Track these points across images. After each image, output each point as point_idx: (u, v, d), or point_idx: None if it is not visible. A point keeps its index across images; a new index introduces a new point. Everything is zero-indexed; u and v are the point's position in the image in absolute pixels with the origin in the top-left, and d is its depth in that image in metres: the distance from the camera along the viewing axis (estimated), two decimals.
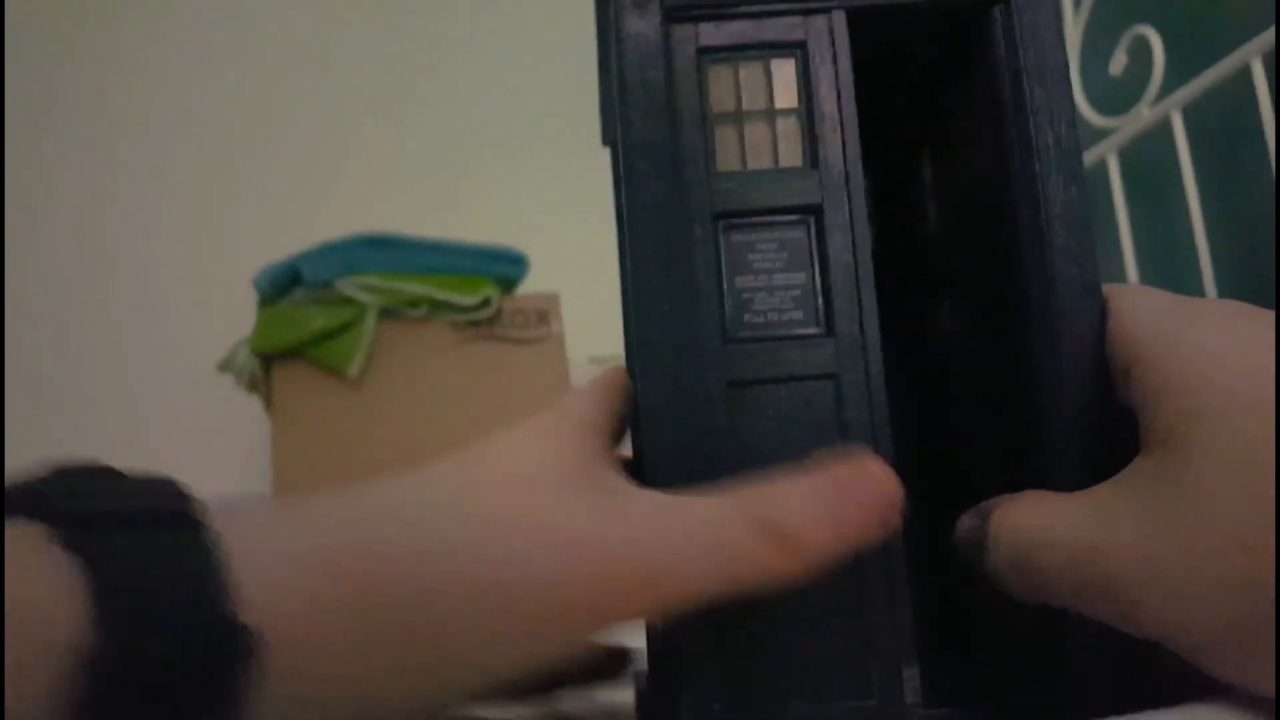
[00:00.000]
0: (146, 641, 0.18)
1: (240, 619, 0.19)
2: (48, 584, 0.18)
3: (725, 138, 0.29)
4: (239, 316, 1.19)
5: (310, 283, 1.13)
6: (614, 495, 0.24)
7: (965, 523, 0.28)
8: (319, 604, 0.20)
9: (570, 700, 0.38)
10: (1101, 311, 0.27)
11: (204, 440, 1.39)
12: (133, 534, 0.19)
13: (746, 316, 0.28)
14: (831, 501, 0.24)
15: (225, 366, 1.23)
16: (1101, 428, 0.27)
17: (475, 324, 1.12)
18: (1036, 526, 0.25)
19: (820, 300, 0.28)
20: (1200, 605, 0.21)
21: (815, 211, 0.28)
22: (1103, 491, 0.24)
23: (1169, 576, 0.21)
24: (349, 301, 1.12)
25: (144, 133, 1.49)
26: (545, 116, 1.41)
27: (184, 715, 0.18)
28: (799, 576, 0.24)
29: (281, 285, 1.15)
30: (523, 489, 0.23)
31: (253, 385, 1.22)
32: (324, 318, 1.10)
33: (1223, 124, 0.82)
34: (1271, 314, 0.24)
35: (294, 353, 1.13)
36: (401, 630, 0.21)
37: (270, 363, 1.15)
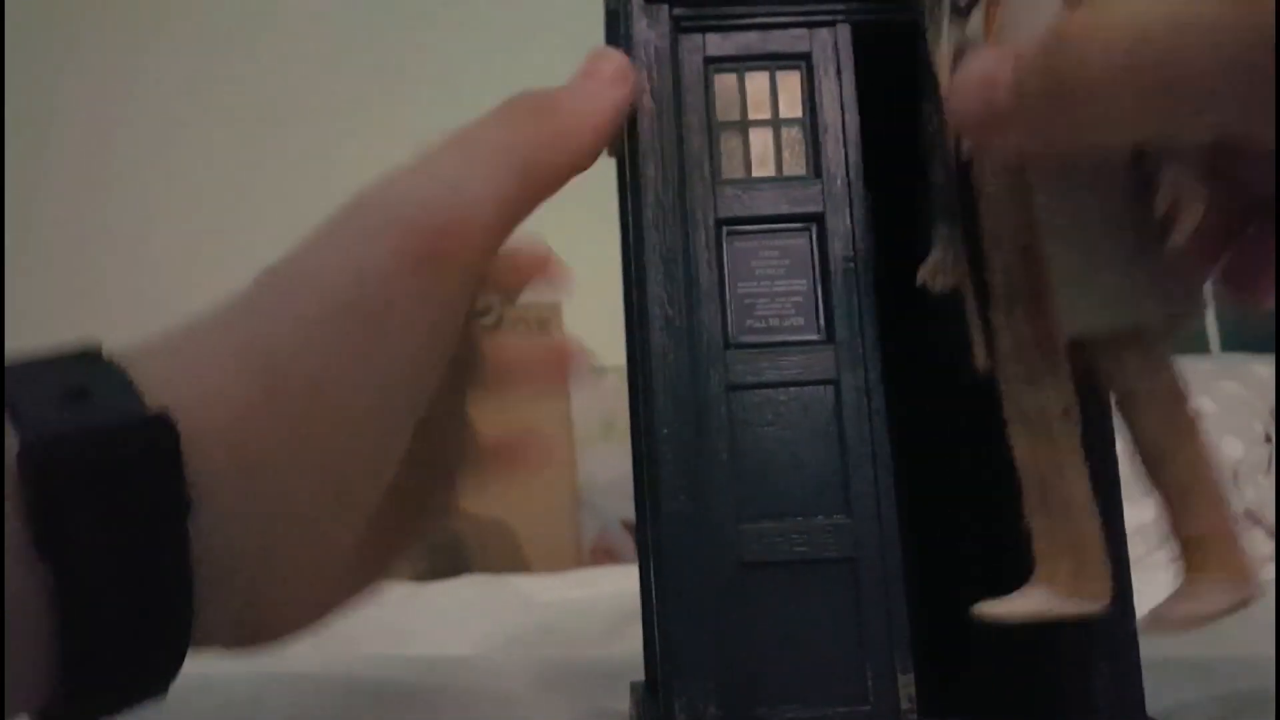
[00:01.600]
0: (59, 437, 0.19)
1: (148, 407, 0.20)
2: None
3: (730, 146, 0.29)
4: None
5: None
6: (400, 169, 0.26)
7: (993, 64, 0.22)
8: (210, 390, 0.21)
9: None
10: None
11: None
12: (36, 363, 0.21)
13: (748, 322, 0.28)
14: (587, 84, 0.27)
15: None
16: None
17: (474, 316, 1.13)
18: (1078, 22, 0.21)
19: (821, 307, 0.28)
20: (1239, 54, 0.18)
21: (817, 220, 0.29)
22: None
23: (1206, 32, 0.19)
24: None
25: (150, 129, 1.49)
26: None
27: (130, 506, 0.19)
28: (581, 162, 0.27)
29: None
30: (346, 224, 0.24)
31: None
32: None
33: None
34: None
35: None
36: (278, 383, 0.22)
37: None
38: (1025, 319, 0.24)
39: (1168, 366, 0.23)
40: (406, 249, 0.23)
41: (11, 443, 0.19)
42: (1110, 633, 0.27)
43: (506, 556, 1.05)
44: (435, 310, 0.23)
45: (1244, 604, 0.22)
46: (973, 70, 0.22)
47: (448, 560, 1.02)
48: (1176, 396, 0.23)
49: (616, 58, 0.28)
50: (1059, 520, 0.24)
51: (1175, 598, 0.22)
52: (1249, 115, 0.19)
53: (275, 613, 0.24)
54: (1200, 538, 0.23)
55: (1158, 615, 0.23)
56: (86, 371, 0.21)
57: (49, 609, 0.18)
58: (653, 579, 0.29)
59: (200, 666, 0.21)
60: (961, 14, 0.25)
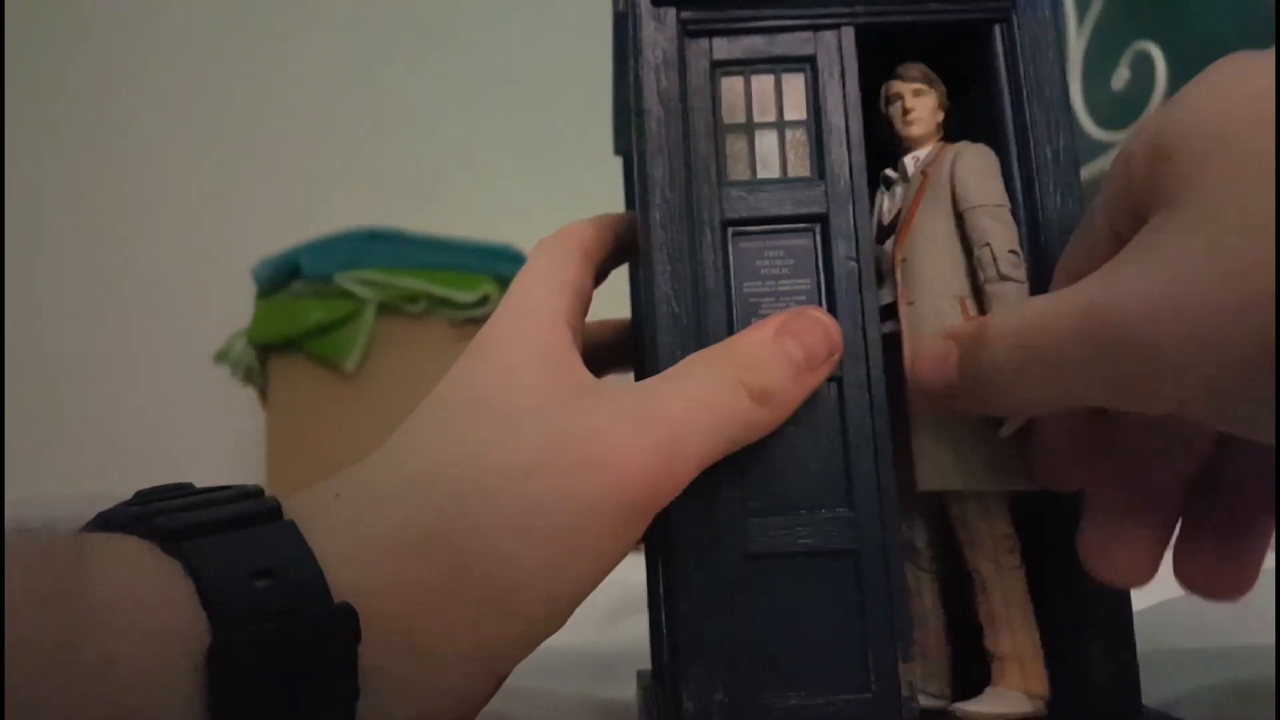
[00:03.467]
0: (252, 626, 0.19)
1: (334, 598, 0.21)
2: (159, 590, 0.19)
3: (736, 148, 0.30)
4: (237, 308, 1.20)
5: (309, 275, 1.13)
6: (598, 396, 0.26)
7: (939, 347, 0.27)
8: (394, 578, 0.22)
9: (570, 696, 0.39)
10: None
11: (198, 430, 1.39)
12: (223, 536, 0.21)
13: (754, 320, 0.29)
14: (794, 354, 0.27)
15: (222, 357, 1.24)
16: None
17: (474, 321, 1.13)
18: (1039, 309, 0.24)
19: (824, 305, 0.29)
20: (1217, 339, 0.19)
21: (821, 220, 0.29)
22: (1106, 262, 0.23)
23: (1183, 312, 0.20)
24: (348, 295, 1.12)
25: (147, 123, 1.49)
26: (553, 121, 1.41)
27: (306, 697, 0.20)
28: (776, 424, 0.27)
29: (280, 277, 1.15)
30: (518, 425, 0.25)
31: (248, 376, 1.23)
32: (322, 311, 1.11)
33: None
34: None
35: (291, 345, 1.13)
36: (464, 584, 0.23)
37: (267, 354, 1.16)
38: (901, 466, 0.29)
39: (1000, 516, 0.29)
40: (620, 497, 0.24)
41: (201, 627, 0.19)
42: (1107, 623, 0.28)
43: None
44: (628, 543, 0.25)
45: (1035, 714, 0.27)
46: (929, 352, 0.27)
47: None
48: (1004, 542, 0.29)
49: (832, 338, 0.28)
50: (918, 628, 0.30)
51: (979, 700, 0.28)
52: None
53: None
54: (1005, 656, 0.28)
55: (963, 712, 0.27)
56: (272, 544, 0.21)
57: None
58: (661, 571, 0.29)
59: None
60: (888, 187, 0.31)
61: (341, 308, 1.11)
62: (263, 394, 1.20)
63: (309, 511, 0.23)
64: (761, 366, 0.27)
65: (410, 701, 0.22)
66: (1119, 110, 0.94)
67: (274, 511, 0.22)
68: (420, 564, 0.23)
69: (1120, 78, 0.93)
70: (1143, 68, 0.90)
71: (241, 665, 0.19)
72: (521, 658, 0.25)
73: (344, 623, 0.21)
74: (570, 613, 0.25)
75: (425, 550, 0.23)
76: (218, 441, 1.36)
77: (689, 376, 0.27)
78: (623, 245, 0.33)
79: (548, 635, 0.25)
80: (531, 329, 0.28)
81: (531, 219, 1.37)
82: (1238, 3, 0.79)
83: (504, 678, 0.25)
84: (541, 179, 1.38)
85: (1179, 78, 0.87)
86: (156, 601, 0.19)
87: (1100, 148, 0.96)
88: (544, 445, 0.24)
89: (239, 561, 0.20)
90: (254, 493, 0.23)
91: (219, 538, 0.21)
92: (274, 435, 1.15)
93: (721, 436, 0.26)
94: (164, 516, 0.21)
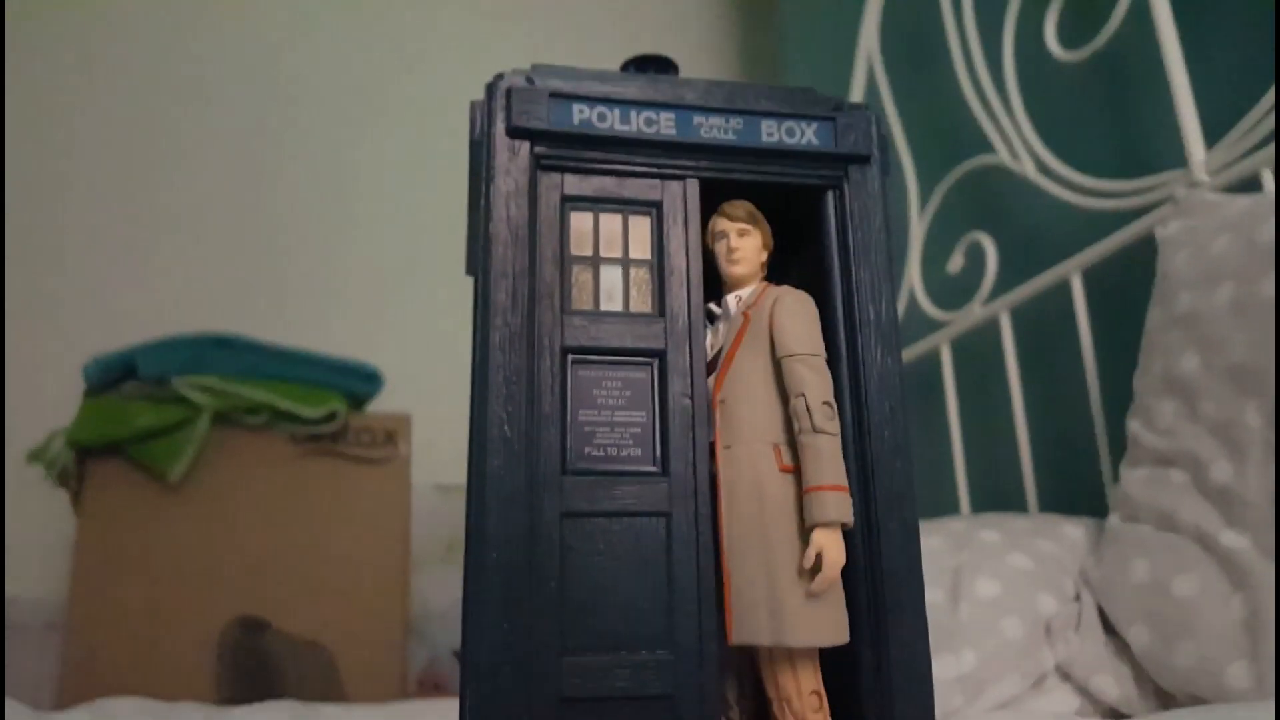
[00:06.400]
0: None
1: None
2: None
3: (581, 279, 0.30)
4: (61, 406, 1.11)
5: (145, 377, 1.07)
6: None
7: None
8: None
9: None
10: (909, 469, 0.30)
11: (5, 531, 1.26)
12: None
13: (587, 449, 0.29)
14: None
15: (35, 456, 1.13)
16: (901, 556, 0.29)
17: (318, 438, 1.08)
18: None
19: (658, 439, 0.29)
20: None
21: (659, 355, 0.30)
22: None
23: None
24: (183, 401, 1.06)
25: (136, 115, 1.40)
26: (415, 238, 1.42)
27: None
28: None
29: (112, 377, 1.08)
30: None
31: (63, 479, 1.13)
32: (152, 415, 1.04)
33: (1044, 325, 0.92)
34: None
35: (113, 449, 1.05)
36: None
37: (85, 457, 1.07)
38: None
39: (808, 673, 0.29)
40: None
41: None
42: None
43: (321, 683, 0.98)
44: None
45: None
46: None
47: (253, 683, 0.94)
48: (811, 699, 0.28)
49: None
50: None
51: None
52: None
53: None
54: None
55: None
56: None
57: None
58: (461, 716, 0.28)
59: None
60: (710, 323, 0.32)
61: (174, 413, 1.05)
62: (76, 498, 1.10)
63: None
64: None
65: None
66: (953, 292, 1.02)
67: None
68: None
69: (955, 263, 1.01)
70: (975, 255, 0.99)
71: None
72: None
73: None
74: None
75: None
76: (23, 546, 1.23)
77: None
78: None
79: None
80: None
81: (388, 336, 1.35)
82: (1055, 206, 0.88)
83: None
84: (400, 297, 1.37)
85: (1006, 264, 0.95)
86: None
87: (935, 325, 1.04)
88: None
89: None
90: None
91: None
92: (84, 543, 1.04)
93: None
94: None
